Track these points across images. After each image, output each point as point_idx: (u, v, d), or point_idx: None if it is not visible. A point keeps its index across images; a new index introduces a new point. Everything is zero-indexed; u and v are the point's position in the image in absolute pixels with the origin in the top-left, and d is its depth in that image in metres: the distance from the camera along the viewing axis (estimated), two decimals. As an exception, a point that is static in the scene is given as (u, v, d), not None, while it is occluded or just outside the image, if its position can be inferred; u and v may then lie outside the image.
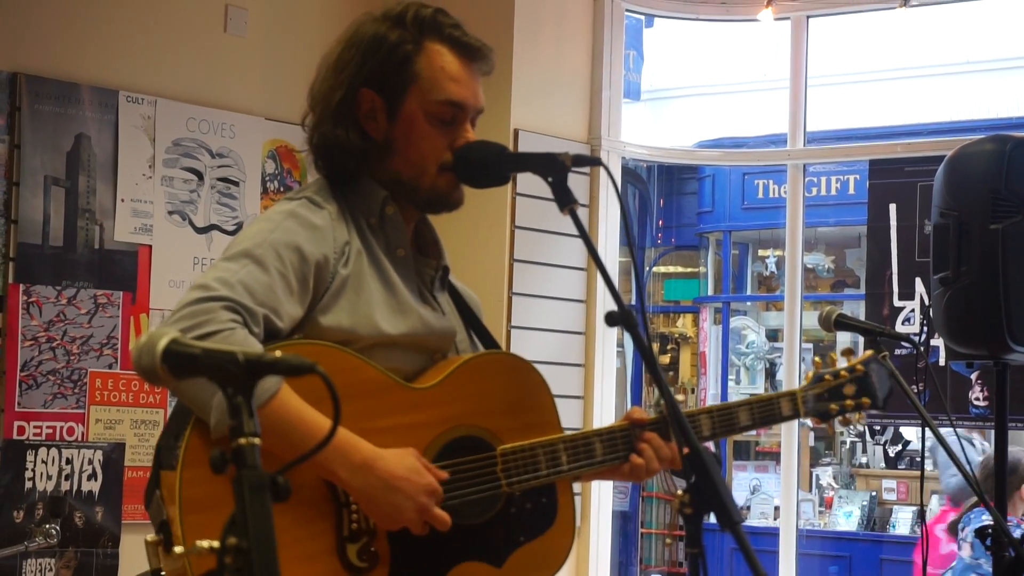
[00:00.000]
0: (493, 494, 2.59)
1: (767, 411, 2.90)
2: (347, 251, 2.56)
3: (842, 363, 3.02)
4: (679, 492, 2.13)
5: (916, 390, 3.70)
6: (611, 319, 2.26)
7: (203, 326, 2.31)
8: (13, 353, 5.09)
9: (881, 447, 11.85)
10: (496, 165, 2.61)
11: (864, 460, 12.05)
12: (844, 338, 11.63)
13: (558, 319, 6.35)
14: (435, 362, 2.67)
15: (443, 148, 2.64)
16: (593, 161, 2.56)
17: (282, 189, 5.83)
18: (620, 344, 7.11)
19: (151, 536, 2.38)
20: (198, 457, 2.32)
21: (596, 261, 2.39)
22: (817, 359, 3.02)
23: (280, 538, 2.26)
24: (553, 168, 2.46)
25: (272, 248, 2.45)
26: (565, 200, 2.43)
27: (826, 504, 11.62)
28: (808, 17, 6.77)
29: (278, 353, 1.75)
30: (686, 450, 2.11)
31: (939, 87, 11.24)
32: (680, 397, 12.51)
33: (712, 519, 2.09)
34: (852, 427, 3.07)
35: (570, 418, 6.20)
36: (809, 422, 3.06)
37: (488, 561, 2.59)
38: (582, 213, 6.36)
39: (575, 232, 2.43)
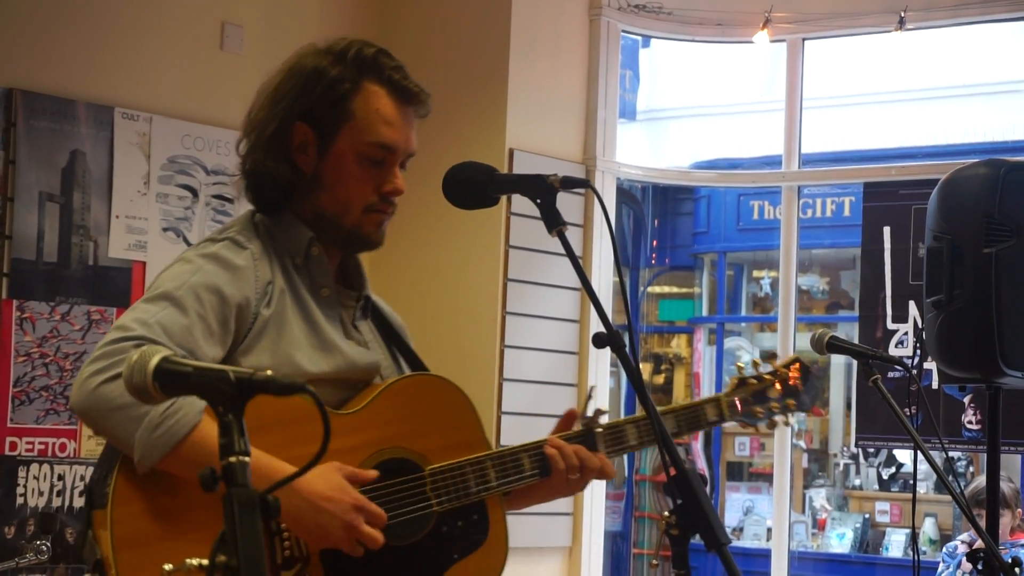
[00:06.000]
0: (424, 514, 2.62)
1: (693, 417, 2.93)
2: (270, 291, 2.59)
3: (766, 368, 3.08)
4: (666, 514, 2.13)
5: (908, 413, 3.69)
6: (598, 340, 2.27)
7: (118, 365, 2.34)
8: (6, 369, 5.09)
9: (875, 469, 11.84)
10: (485, 187, 2.62)
11: (857, 482, 12.04)
12: (838, 360, 11.64)
13: (552, 339, 6.35)
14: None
15: (370, 190, 2.67)
16: (582, 183, 2.57)
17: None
18: (614, 364, 7.11)
19: None
20: (127, 495, 2.39)
21: (583, 282, 2.41)
22: (740, 364, 3.08)
23: None
24: (542, 190, 2.47)
25: (192, 291, 2.48)
26: (553, 222, 2.44)
27: (819, 526, 11.61)
28: (804, 40, 6.79)
29: (268, 372, 1.76)
30: (672, 471, 2.12)
31: (934, 110, 11.25)
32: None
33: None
34: (778, 428, 3.12)
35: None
36: (737, 426, 3.10)
37: None
38: (577, 233, 6.42)
39: (568, 253, 2.45)
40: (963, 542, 6.61)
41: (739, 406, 3.00)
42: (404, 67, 2.72)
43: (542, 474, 2.75)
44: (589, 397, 2.91)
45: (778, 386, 3.05)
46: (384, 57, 2.70)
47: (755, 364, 3.06)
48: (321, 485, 2.43)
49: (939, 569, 6.72)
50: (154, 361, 1.79)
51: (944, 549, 7.05)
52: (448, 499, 2.63)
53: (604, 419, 2.87)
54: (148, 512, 2.39)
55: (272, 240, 2.66)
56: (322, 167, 2.66)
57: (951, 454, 6.82)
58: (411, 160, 2.74)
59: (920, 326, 6.05)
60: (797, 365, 3.07)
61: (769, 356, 3.10)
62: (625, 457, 11.56)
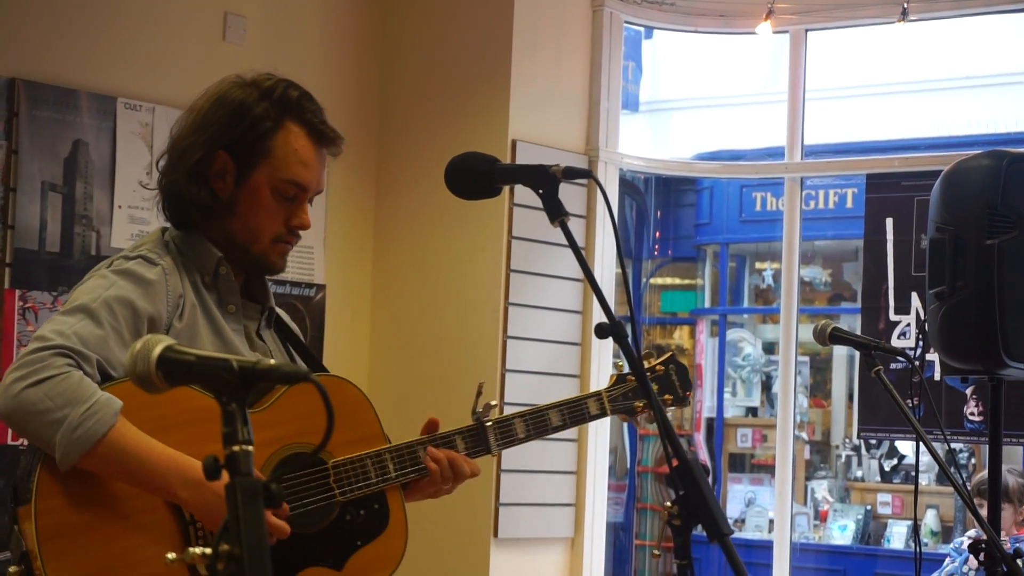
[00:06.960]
0: (328, 504, 2.81)
1: (576, 411, 3.14)
2: (182, 304, 2.75)
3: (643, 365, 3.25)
4: (668, 504, 2.14)
5: (911, 404, 3.70)
6: (601, 331, 2.29)
7: (38, 372, 2.51)
8: (8, 358, 5.09)
9: (876, 461, 11.84)
10: (487, 177, 2.64)
11: (859, 474, 12.04)
12: (841, 351, 11.62)
13: (554, 330, 6.35)
14: None
15: (280, 222, 2.85)
16: (584, 174, 2.58)
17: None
18: (616, 355, 7.11)
19: (13, 567, 2.57)
20: (50, 489, 2.53)
21: (586, 273, 2.42)
22: (619, 362, 3.24)
23: (129, 557, 2.53)
24: (544, 180, 2.49)
25: (106, 304, 2.65)
26: (556, 212, 2.46)
27: (821, 517, 11.61)
28: (807, 31, 6.79)
29: (272, 361, 1.77)
30: (675, 462, 2.12)
31: (937, 102, 11.23)
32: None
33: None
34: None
35: (565, 429, 6.19)
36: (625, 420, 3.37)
37: (329, 566, 2.82)
38: (579, 224, 6.42)
39: (571, 243, 2.45)
40: (970, 538, 6.61)
41: (620, 400, 3.21)
42: (323, 111, 2.89)
43: None
44: (479, 393, 3.00)
45: (655, 382, 3.26)
46: (307, 101, 2.88)
47: None
48: None
49: (944, 563, 6.71)
50: (157, 350, 1.79)
51: (952, 544, 7.05)
52: (350, 490, 2.83)
53: (494, 413, 3.04)
54: (71, 505, 2.54)
55: (182, 256, 2.82)
56: (237, 195, 2.83)
57: (953, 446, 6.83)
58: (318, 196, 2.92)
59: (922, 317, 6.06)
60: (672, 363, 3.30)
61: (646, 354, 3.26)
62: (628, 449, 11.57)
